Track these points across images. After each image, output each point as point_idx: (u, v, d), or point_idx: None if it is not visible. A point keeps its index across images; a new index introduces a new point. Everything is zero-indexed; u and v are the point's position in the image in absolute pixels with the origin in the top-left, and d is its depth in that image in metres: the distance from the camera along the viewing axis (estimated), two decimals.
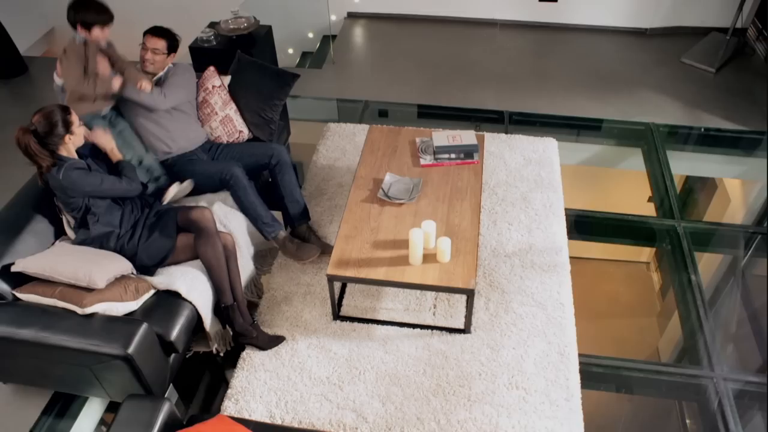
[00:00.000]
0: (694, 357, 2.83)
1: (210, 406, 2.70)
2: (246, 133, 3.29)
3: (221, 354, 2.81)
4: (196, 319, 2.63)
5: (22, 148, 2.42)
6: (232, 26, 4.08)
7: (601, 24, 5.26)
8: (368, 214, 2.94)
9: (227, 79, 3.38)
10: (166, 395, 2.58)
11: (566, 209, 3.49)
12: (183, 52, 3.47)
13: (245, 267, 2.93)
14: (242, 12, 4.23)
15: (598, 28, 5.27)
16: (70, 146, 2.54)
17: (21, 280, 2.49)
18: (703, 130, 4.14)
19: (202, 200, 3.00)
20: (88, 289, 2.40)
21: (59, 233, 2.75)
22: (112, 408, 2.72)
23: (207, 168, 3.02)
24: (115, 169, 2.75)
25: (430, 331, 2.87)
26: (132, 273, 2.60)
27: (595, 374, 2.77)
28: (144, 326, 2.33)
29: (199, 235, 2.64)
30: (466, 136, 3.27)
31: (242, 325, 2.76)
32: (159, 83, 3.01)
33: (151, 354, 2.39)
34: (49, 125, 2.44)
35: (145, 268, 2.64)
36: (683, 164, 4.01)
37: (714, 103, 4.37)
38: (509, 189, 3.61)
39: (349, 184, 3.62)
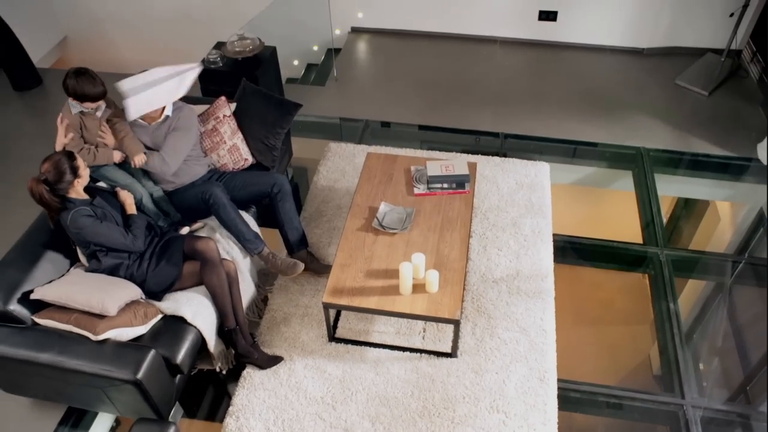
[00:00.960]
0: (669, 384, 3.00)
1: (213, 419, 2.91)
2: (250, 161, 3.46)
3: (224, 372, 3.02)
4: (201, 342, 2.84)
5: (36, 198, 2.59)
6: (237, 48, 4.23)
7: (599, 43, 5.37)
8: (363, 242, 3.12)
9: (233, 106, 3.54)
10: (171, 412, 2.80)
11: (554, 234, 3.66)
12: None
13: (246, 290, 3.12)
14: (248, 31, 4.36)
15: (597, 47, 5.38)
16: (78, 188, 2.72)
17: (39, 305, 2.70)
18: (690, 156, 4.27)
19: (204, 229, 3.18)
20: (101, 316, 2.61)
21: (74, 259, 2.95)
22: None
23: (193, 191, 3.16)
24: (125, 216, 2.91)
25: (419, 354, 3.06)
26: (141, 298, 2.80)
27: (572, 398, 2.95)
28: (152, 353, 2.54)
29: (205, 265, 2.83)
30: (459, 165, 3.42)
31: (244, 346, 2.96)
32: (166, 122, 3.12)
33: (159, 377, 2.59)
34: (59, 173, 2.60)
35: (153, 293, 2.84)
36: (673, 186, 4.15)
37: (705, 127, 4.50)
38: (500, 214, 3.77)
39: (347, 206, 3.79)
